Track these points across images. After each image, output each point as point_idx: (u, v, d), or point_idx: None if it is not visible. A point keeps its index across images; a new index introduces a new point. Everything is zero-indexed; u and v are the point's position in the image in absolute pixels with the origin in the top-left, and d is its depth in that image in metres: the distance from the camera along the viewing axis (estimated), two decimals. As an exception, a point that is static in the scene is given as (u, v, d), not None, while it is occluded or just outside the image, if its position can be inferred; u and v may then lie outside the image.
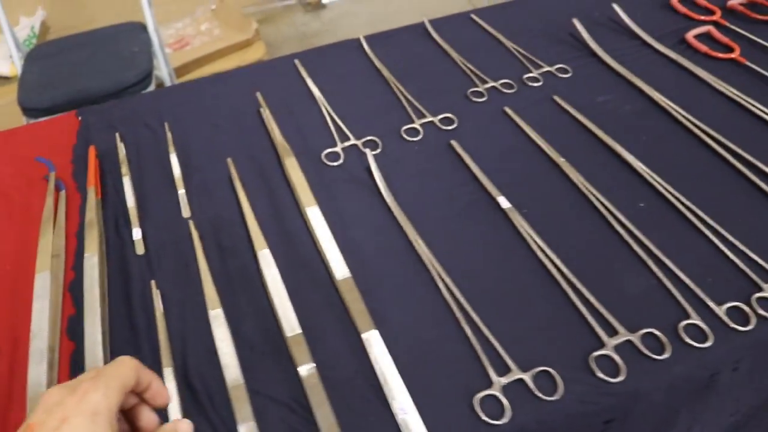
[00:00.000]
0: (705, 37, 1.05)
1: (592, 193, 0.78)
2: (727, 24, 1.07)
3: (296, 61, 1.05)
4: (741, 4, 1.12)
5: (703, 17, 1.09)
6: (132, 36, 1.82)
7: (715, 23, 1.08)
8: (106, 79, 1.63)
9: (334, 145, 0.88)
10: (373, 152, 0.85)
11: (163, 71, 1.92)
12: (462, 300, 0.66)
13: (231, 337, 0.65)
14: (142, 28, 1.83)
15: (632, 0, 1.15)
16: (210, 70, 2.35)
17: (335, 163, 0.85)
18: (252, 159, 0.87)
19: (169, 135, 0.91)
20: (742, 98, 0.91)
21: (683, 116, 0.88)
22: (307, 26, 2.61)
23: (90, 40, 1.81)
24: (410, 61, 1.04)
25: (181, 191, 0.82)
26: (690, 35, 1.04)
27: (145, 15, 1.80)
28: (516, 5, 1.18)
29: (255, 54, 2.38)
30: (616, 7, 1.09)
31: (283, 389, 0.60)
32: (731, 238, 0.71)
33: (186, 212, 0.79)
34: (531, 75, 0.98)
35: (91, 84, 1.61)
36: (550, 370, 0.60)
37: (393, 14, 2.55)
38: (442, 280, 0.69)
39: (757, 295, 0.65)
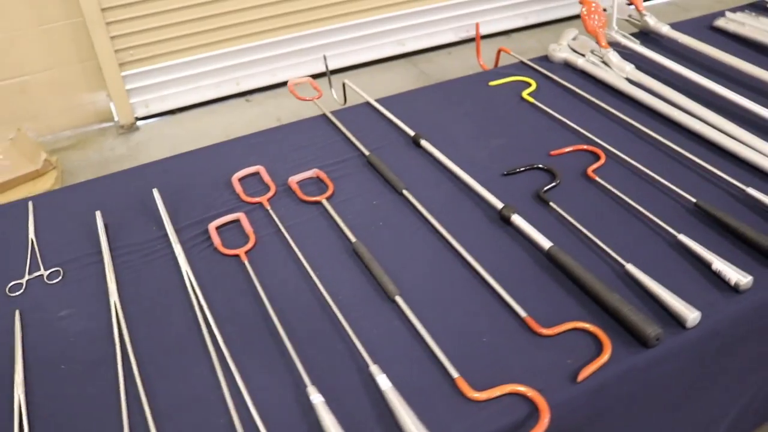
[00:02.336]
0: (233, 227, 1.03)
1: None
2: (269, 209, 1.05)
3: None
4: (298, 182, 1.10)
5: (253, 199, 1.07)
6: None
7: (260, 205, 1.06)
8: None
9: None
10: None
11: None
12: None
13: None
14: None
15: (202, 180, 1.13)
16: (-1, 200, 2.34)
17: None
18: None
19: None
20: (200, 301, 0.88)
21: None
22: (113, 151, 2.61)
23: None
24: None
25: None
26: (213, 226, 1.01)
27: None
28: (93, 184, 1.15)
29: (44, 185, 2.38)
30: (155, 192, 1.07)
31: None
32: None
33: None
34: (18, 282, 0.94)
35: None
36: None
37: (201, 137, 2.57)
38: None
39: None
